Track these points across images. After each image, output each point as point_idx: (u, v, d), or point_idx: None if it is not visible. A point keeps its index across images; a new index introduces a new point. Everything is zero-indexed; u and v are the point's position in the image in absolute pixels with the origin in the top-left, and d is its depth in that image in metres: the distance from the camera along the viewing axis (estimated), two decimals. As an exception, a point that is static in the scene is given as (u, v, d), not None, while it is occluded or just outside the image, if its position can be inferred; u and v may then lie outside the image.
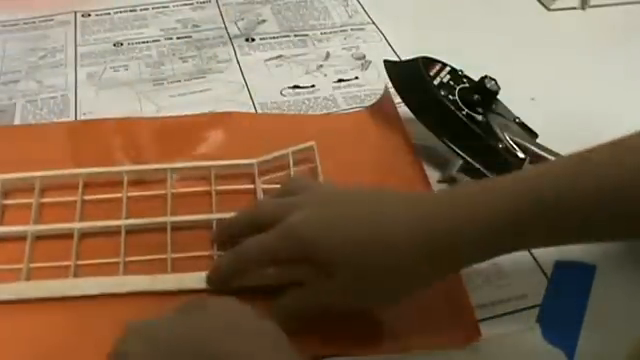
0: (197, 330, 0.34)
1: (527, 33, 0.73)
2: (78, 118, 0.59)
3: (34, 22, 0.71)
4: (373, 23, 0.73)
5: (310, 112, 0.61)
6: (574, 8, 0.77)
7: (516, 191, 0.38)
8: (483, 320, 0.44)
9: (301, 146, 0.52)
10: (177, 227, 0.48)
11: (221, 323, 0.35)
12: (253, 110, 0.61)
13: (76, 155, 0.54)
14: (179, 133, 0.57)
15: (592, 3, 0.77)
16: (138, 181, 0.51)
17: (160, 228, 0.47)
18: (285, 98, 0.62)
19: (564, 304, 0.46)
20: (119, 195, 0.49)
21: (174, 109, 0.60)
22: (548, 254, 0.48)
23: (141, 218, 0.48)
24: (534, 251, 0.48)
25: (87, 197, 0.50)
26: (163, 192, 0.50)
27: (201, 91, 0.63)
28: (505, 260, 0.47)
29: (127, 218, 0.48)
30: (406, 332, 0.43)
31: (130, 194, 0.50)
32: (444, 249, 0.39)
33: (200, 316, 0.36)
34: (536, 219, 0.37)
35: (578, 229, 0.38)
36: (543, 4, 0.78)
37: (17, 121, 0.58)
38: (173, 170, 0.51)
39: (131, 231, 0.47)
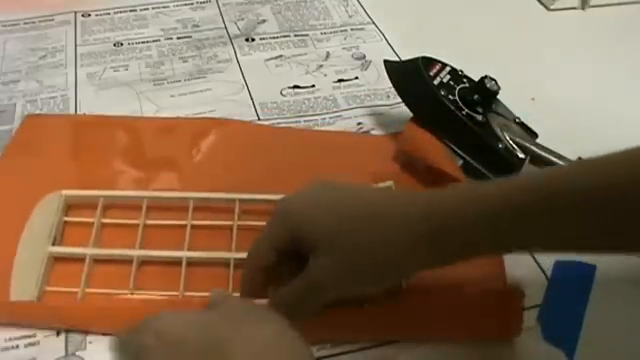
0: (209, 329, 0.34)
1: (527, 33, 0.73)
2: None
3: (34, 22, 0.71)
4: (373, 23, 0.73)
5: (310, 112, 0.61)
6: (574, 8, 0.77)
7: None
8: (483, 320, 0.44)
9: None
10: (240, 265, 0.45)
11: (237, 324, 0.34)
12: (253, 110, 0.61)
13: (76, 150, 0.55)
14: (181, 135, 0.57)
15: (592, 3, 0.77)
16: (203, 207, 0.50)
17: (222, 263, 0.46)
18: (285, 98, 0.62)
19: (564, 304, 0.46)
20: (183, 222, 0.48)
21: (174, 109, 0.60)
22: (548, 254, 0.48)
23: (204, 251, 0.47)
24: (534, 251, 0.49)
25: (150, 221, 0.48)
26: (229, 223, 0.48)
27: (201, 91, 0.63)
28: (505, 260, 0.47)
29: (189, 249, 0.47)
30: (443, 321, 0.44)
31: (194, 222, 0.48)
32: (441, 231, 0.38)
33: (216, 316, 0.36)
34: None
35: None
36: (543, 4, 0.78)
37: (17, 121, 0.58)
38: (241, 200, 0.50)
39: (192, 263, 0.46)
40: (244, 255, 0.44)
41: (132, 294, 0.44)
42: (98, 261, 0.46)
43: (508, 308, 0.43)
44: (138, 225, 0.48)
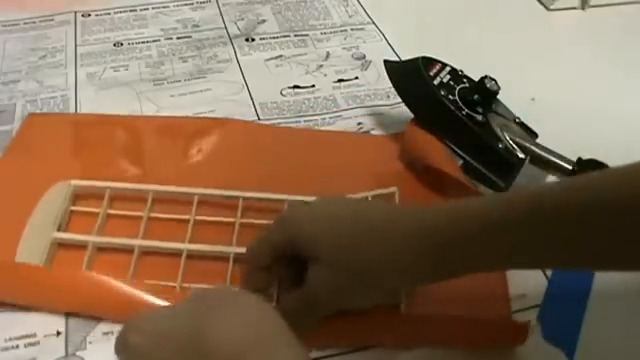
0: (189, 319, 0.34)
1: (527, 33, 0.73)
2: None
3: (34, 22, 0.71)
4: (373, 23, 0.73)
5: (310, 112, 0.61)
6: (574, 8, 0.77)
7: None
8: (483, 320, 0.44)
9: (383, 191, 0.50)
10: (240, 259, 0.46)
11: (218, 311, 0.34)
12: (253, 110, 0.61)
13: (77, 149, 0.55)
14: (183, 135, 0.57)
15: (592, 3, 0.77)
16: (207, 203, 0.50)
17: (222, 257, 0.46)
18: (285, 98, 0.62)
19: (564, 304, 0.46)
20: (186, 217, 0.49)
21: (174, 109, 0.60)
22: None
23: (204, 244, 0.47)
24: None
25: (154, 214, 0.49)
26: (231, 220, 0.49)
27: (201, 91, 0.63)
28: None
29: (190, 242, 0.47)
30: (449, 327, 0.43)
31: (197, 217, 0.49)
32: (450, 244, 0.38)
33: (196, 305, 0.35)
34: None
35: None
36: (543, 4, 0.78)
37: (17, 121, 0.58)
38: (245, 198, 0.50)
39: (192, 256, 0.46)
40: (244, 250, 0.45)
41: (132, 284, 0.44)
42: (100, 250, 0.47)
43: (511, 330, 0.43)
44: (142, 217, 0.48)
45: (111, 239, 0.47)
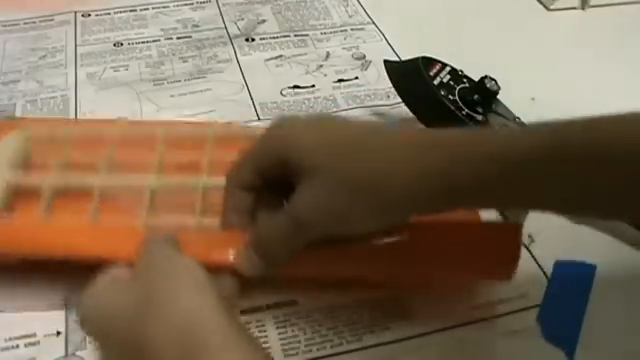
0: (129, 317, 0.31)
1: (527, 33, 0.73)
2: (78, 118, 0.59)
3: (34, 22, 0.71)
4: (373, 23, 0.74)
5: (310, 112, 0.61)
6: (574, 8, 0.77)
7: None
8: (483, 320, 0.44)
9: None
10: (209, 189, 0.45)
11: (154, 311, 0.31)
12: (253, 110, 0.61)
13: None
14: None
15: (592, 3, 0.77)
16: (173, 143, 0.48)
17: (190, 191, 0.45)
18: (285, 98, 0.62)
19: (564, 304, 0.46)
20: (151, 156, 0.47)
21: (174, 109, 0.60)
22: (548, 254, 0.48)
23: (171, 177, 0.46)
24: (534, 251, 0.49)
25: (116, 156, 0.47)
26: (201, 156, 0.47)
27: (201, 91, 0.63)
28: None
29: (158, 174, 0.45)
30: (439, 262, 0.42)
31: (164, 156, 0.47)
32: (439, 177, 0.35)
33: (136, 298, 0.32)
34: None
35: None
36: (543, 4, 0.78)
37: (17, 121, 0.58)
38: (215, 134, 0.48)
39: (159, 192, 0.45)
40: (215, 180, 0.43)
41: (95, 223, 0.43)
42: (60, 195, 0.45)
43: (505, 241, 0.43)
44: (104, 160, 0.47)
45: (69, 179, 0.45)
